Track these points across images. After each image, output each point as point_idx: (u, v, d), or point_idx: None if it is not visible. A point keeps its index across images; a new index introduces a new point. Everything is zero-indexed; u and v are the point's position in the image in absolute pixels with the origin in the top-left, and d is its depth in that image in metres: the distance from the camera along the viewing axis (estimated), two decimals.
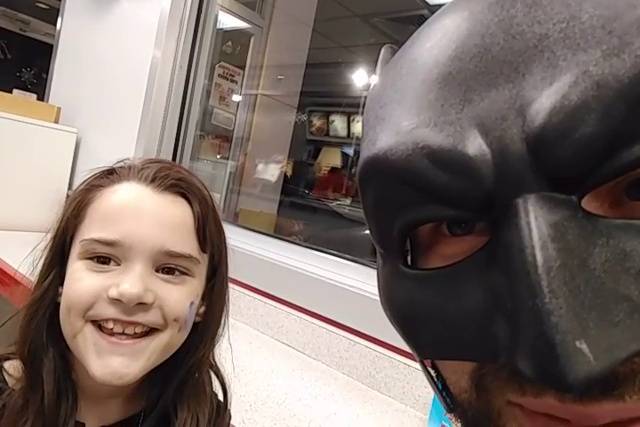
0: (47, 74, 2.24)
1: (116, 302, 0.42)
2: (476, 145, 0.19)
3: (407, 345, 0.25)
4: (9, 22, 4.50)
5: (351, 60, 3.80)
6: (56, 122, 1.91)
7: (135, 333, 0.43)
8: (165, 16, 1.66)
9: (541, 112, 0.18)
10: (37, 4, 4.21)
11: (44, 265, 0.47)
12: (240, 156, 2.19)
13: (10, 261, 1.29)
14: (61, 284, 0.46)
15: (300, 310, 1.18)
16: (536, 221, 0.18)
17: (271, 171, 2.51)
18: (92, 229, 0.45)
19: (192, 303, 0.46)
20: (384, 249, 0.26)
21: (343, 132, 4.36)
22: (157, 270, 0.45)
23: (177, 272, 0.46)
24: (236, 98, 2.09)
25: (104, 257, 0.44)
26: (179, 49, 1.71)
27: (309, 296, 1.18)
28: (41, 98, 2.11)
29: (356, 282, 1.14)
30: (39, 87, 3.45)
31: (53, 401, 0.44)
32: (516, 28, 0.20)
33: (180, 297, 0.45)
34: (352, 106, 4.14)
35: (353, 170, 4.44)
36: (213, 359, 0.54)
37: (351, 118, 4.25)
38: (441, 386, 0.27)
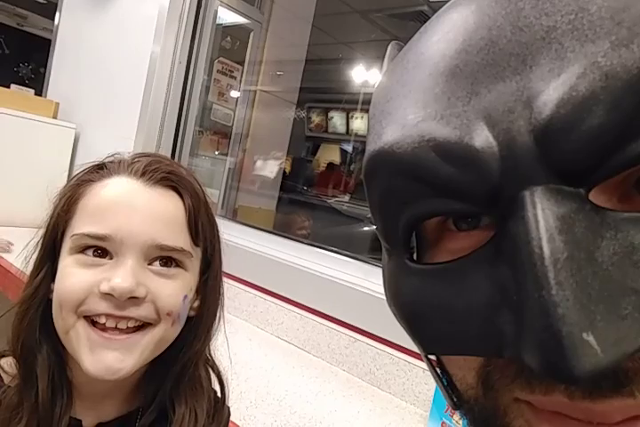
0: (45, 69, 2.22)
1: (107, 296, 0.42)
2: (482, 137, 0.19)
3: (412, 341, 0.25)
4: (6, 17, 4.47)
5: (350, 56, 3.79)
6: (54, 117, 1.90)
7: (128, 327, 0.43)
8: (165, 11, 1.65)
9: (549, 104, 0.18)
10: None
11: (35, 261, 0.47)
12: (239, 152, 2.18)
13: (8, 257, 1.28)
14: (53, 280, 0.45)
15: (300, 307, 1.18)
16: (543, 214, 0.17)
17: (270, 167, 2.50)
18: (82, 224, 0.44)
19: (185, 297, 0.46)
20: (390, 244, 0.25)
21: (342, 129, 4.36)
22: (150, 263, 0.44)
23: (170, 264, 0.45)
24: (235, 94, 2.09)
25: (96, 247, 0.43)
26: (178, 44, 1.70)
27: (309, 293, 1.18)
28: (39, 93, 2.10)
29: (357, 279, 1.14)
30: (37, 82, 3.43)
31: (48, 398, 0.44)
32: (523, 21, 0.20)
33: (173, 291, 0.45)
34: (351, 102, 4.14)
35: (352, 167, 4.44)
36: (209, 354, 0.54)
37: (350, 115, 4.25)
38: (446, 383, 0.27)
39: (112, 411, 0.50)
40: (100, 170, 0.47)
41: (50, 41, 2.22)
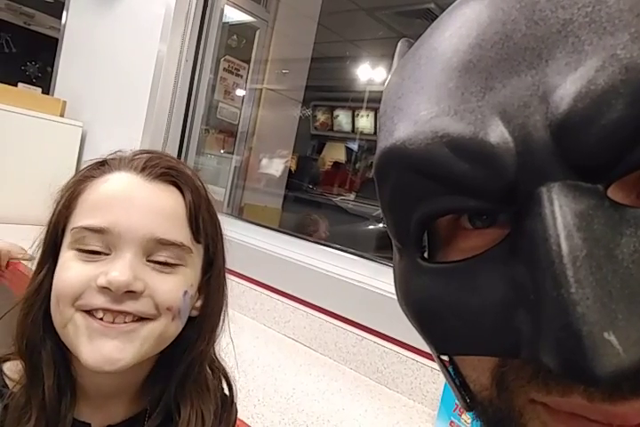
0: (52, 68, 2.23)
1: (104, 290, 0.41)
2: (497, 133, 0.19)
3: (424, 341, 0.25)
4: (13, 16, 4.49)
5: (356, 54, 3.78)
6: (61, 115, 1.91)
7: (125, 322, 0.42)
8: (171, 10, 1.65)
9: (566, 98, 0.17)
10: None
11: (38, 258, 0.47)
12: (245, 150, 2.18)
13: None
14: None
15: (306, 305, 1.18)
16: (561, 210, 0.17)
17: (276, 166, 2.50)
18: (81, 218, 0.44)
19: (186, 293, 0.45)
20: (401, 243, 0.25)
21: (347, 127, 4.35)
22: (149, 259, 0.44)
23: (168, 264, 0.45)
24: (241, 92, 2.09)
25: (94, 251, 0.43)
26: (184, 43, 1.70)
27: (316, 291, 1.18)
28: (46, 92, 2.11)
29: (364, 277, 1.14)
30: (44, 81, 3.44)
31: (54, 395, 0.43)
32: (538, 14, 0.19)
33: (173, 286, 0.44)
34: (357, 101, 4.13)
35: (357, 165, 4.44)
36: (215, 355, 0.54)
37: (356, 113, 4.24)
38: (459, 384, 0.26)
39: (119, 413, 0.49)
40: (102, 166, 0.48)
41: (57, 40, 2.23)
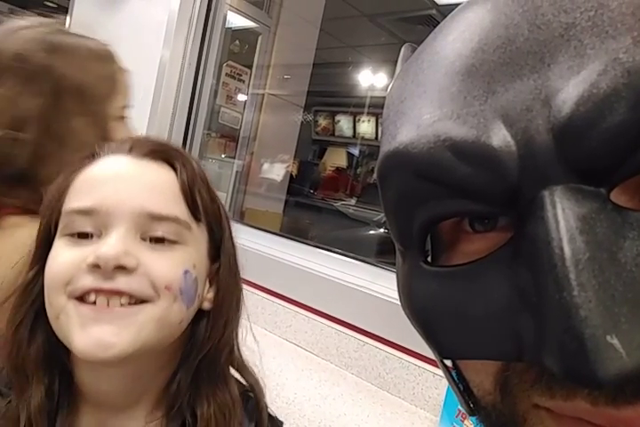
0: None
1: (94, 269, 0.38)
2: (500, 137, 0.19)
3: (427, 345, 0.25)
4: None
5: (358, 60, 3.80)
6: None
7: (121, 304, 0.39)
8: (174, 15, 1.66)
9: (568, 101, 0.18)
10: (46, 2, 4.22)
11: (30, 257, 0.44)
12: (246, 155, 2.19)
13: None
14: None
15: (308, 310, 1.18)
16: (563, 214, 0.17)
17: (277, 170, 2.51)
18: (69, 203, 0.42)
19: (187, 272, 0.42)
20: (404, 246, 0.25)
21: (349, 133, 4.36)
22: (143, 237, 0.41)
23: (166, 242, 0.42)
24: (243, 97, 2.09)
25: (84, 233, 0.41)
26: (187, 48, 1.71)
27: (318, 296, 1.17)
28: None
29: (365, 282, 1.13)
30: None
31: (46, 407, 0.40)
32: (541, 19, 0.19)
33: (169, 263, 0.41)
34: (358, 106, 4.14)
35: (358, 170, 4.44)
36: (239, 354, 0.50)
37: (357, 118, 4.25)
38: (463, 388, 0.26)
39: (139, 423, 0.44)
40: (91, 157, 0.46)
41: None
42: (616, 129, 0.17)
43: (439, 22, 0.25)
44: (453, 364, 0.26)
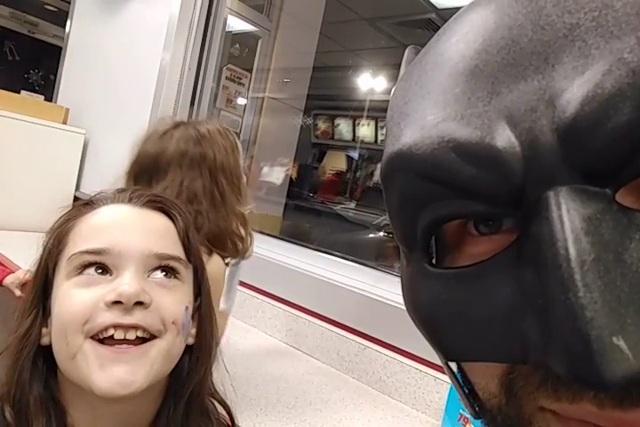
0: (55, 76, 2.25)
1: (114, 306, 0.41)
2: (504, 137, 0.19)
3: (432, 347, 0.24)
4: (18, 24, 4.52)
5: (357, 63, 3.81)
6: (64, 123, 1.92)
7: (137, 337, 0.42)
8: (175, 19, 1.66)
9: (573, 101, 0.17)
10: (46, 6, 4.23)
11: (26, 304, 0.45)
12: (246, 158, 2.19)
13: (18, 262, 1.28)
14: (45, 324, 0.44)
15: (308, 313, 1.18)
16: (568, 214, 0.17)
17: (277, 174, 2.51)
18: (78, 246, 0.44)
19: (187, 308, 0.46)
20: (408, 248, 0.25)
21: (348, 136, 4.36)
22: (149, 275, 0.45)
23: (169, 273, 0.46)
24: (243, 100, 2.10)
25: (96, 265, 0.43)
26: (188, 52, 1.71)
27: (318, 299, 1.17)
28: (48, 99, 2.11)
29: (366, 285, 1.13)
30: (47, 89, 3.46)
31: None
32: (545, 19, 0.19)
33: (174, 300, 0.45)
34: (357, 110, 4.15)
35: (358, 174, 4.44)
36: (213, 387, 0.53)
37: (356, 122, 4.25)
38: (468, 391, 0.26)
39: None
40: (87, 205, 0.49)
41: (60, 48, 2.25)
42: (621, 129, 0.17)
43: (439, 26, 0.25)
44: (458, 366, 0.26)
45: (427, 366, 0.96)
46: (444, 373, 0.91)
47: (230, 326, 0.94)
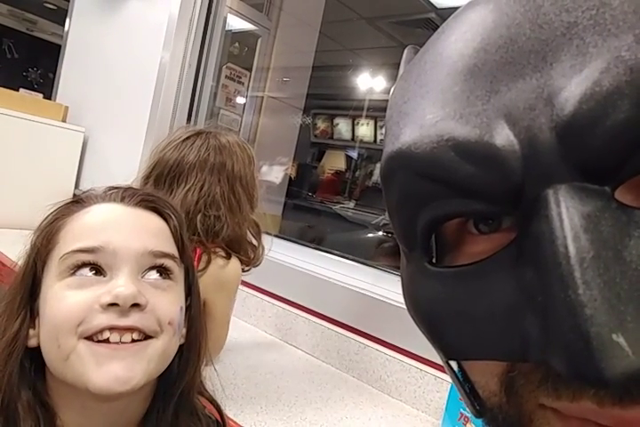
0: (54, 74, 2.24)
1: (110, 308, 0.40)
2: (503, 136, 0.19)
3: (432, 346, 0.25)
4: (16, 22, 4.51)
5: (357, 62, 3.81)
6: (63, 121, 1.91)
7: (133, 339, 0.41)
8: (175, 17, 1.66)
9: (571, 99, 0.17)
10: (45, 4, 4.22)
11: (12, 305, 0.44)
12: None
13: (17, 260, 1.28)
14: (32, 326, 0.43)
15: (308, 312, 1.17)
16: (567, 212, 0.17)
17: (276, 173, 2.51)
18: (70, 245, 0.43)
19: (181, 308, 0.46)
20: (408, 247, 0.25)
21: (347, 136, 4.36)
22: (143, 276, 0.44)
23: (163, 274, 0.45)
24: (242, 99, 2.09)
25: (90, 265, 0.42)
26: (187, 50, 1.71)
27: (318, 298, 1.17)
28: (47, 98, 2.11)
29: (366, 284, 1.13)
30: (46, 87, 3.45)
31: None
32: (543, 18, 0.19)
33: (169, 300, 0.45)
34: (356, 109, 4.15)
35: (357, 173, 4.45)
36: (203, 387, 0.53)
37: (355, 121, 4.25)
38: (469, 390, 0.26)
39: None
40: (77, 203, 0.47)
41: (59, 46, 2.24)
42: (619, 127, 0.17)
43: (438, 25, 0.26)
44: (459, 365, 0.26)
45: (427, 365, 0.96)
46: (444, 372, 0.91)
47: (231, 325, 0.94)
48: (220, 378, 0.56)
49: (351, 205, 3.61)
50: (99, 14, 2.03)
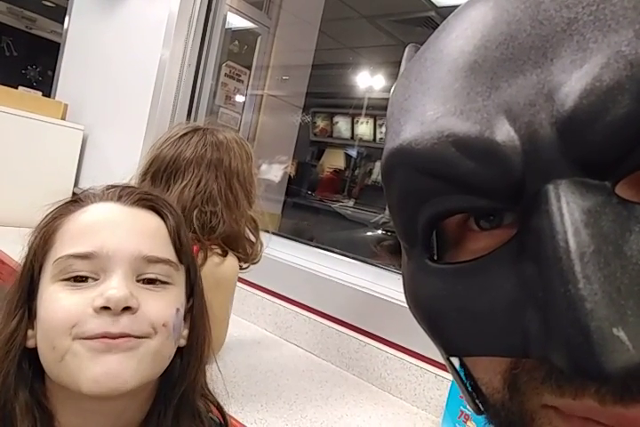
0: (53, 72, 2.24)
1: (102, 311, 0.40)
2: (504, 131, 0.19)
3: (433, 342, 0.25)
4: (15, 20, 4.50)
5: (357, 61, 3.80)
6: (63, 119, 1.91)
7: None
8: (174, 15, 1.66)
9: (571, 95, 0.17)
10: (44, 1, 4.21)
11: (10, 304, 0.44)
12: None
13: (16, 258, 1.28)
14: (30, 326, 0.43)
15: (308, 310, 1.17)
16: (568, 207, 0.17)
17: (275, 171, 2.51)
18: (65, 248, 0.43)
19: (178, 310, 0.45)
20: (409, 244, 0.25)
21: (347, 134, 4.36)
22: (138, 279, 0.44)
23: (158, 282, 0.45)
24: (242, 98, 2.09)
25: (81, 276, 0.42)
26: (187, 48, 1.70)
27: (318, 296, 1.17)
28: (46, 96, 2.11)
29: (366, 282, 1.13)
30: (45, 85, 3.44)
31: None
32: (543, 14, 0.19)
33: (164, 303, 0.44)
34: (356, 107, 4.15)
35: (356, 171, 4.44)
36: (207, 388, 0.52)
37: (355, 120, 4.25)
38: (471, 387, 0.26)
39: None
40: (75, 202, 0.47)
41: (58, 44, 2.24)
42: (620, 122, 0.17)
43: (438, 24, 0.26)
44: (461, 362, 0.26)
45: (427, 363, 0.96)
46: (444, 370, 0.91)
47: (230, 323, 0.94)
48: (221, 376, 0.56)
49: (350, 203, 3.61)
50: (98, 12, 2.03)
